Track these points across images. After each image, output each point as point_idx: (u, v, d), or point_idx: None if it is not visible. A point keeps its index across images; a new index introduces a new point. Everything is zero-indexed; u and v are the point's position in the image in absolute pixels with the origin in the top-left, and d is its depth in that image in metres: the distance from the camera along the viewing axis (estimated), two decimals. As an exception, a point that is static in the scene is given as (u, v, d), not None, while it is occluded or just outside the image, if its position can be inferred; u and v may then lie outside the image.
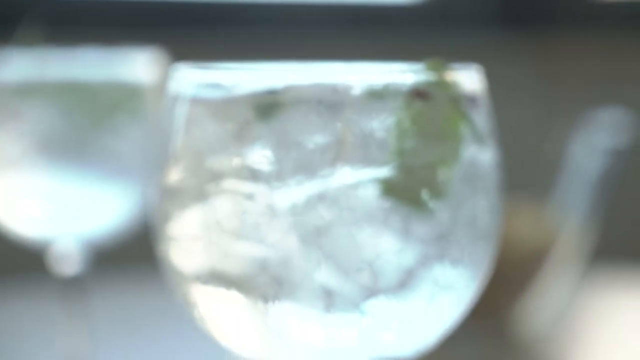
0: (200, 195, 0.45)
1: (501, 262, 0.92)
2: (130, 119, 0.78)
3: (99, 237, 0.82)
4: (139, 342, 0.96)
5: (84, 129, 0.77)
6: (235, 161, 0.44)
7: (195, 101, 0.46)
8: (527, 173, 1.00)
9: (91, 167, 0.78)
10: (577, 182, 0.96)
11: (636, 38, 1.89)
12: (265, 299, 0.44)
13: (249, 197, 0.44)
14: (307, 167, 0.43)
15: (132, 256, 1.20)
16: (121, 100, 0.78)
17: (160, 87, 0.80)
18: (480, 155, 0.46)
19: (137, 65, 0.80)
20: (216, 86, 0.45)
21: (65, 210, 0.79)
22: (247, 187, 0.44)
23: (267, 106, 0.44)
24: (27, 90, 0.77)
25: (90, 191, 0.79)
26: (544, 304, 0.96)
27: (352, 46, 1.68)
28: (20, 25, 0.80)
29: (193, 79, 0.46)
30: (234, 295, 0.45)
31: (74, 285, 0.83)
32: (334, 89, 0.44)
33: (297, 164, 0.43)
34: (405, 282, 0.44)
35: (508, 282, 0.93)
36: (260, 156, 0.44)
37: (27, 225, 0.80)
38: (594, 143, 0.97)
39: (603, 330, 1.02)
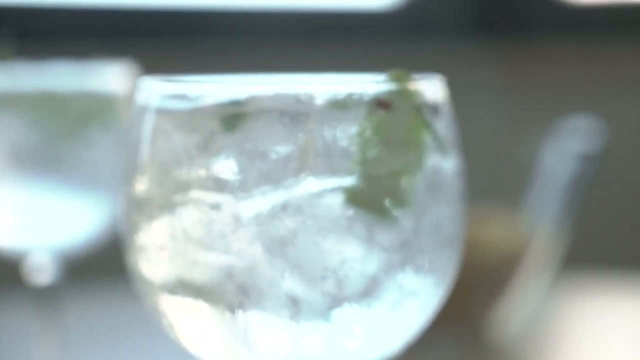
0: (166, 205, 0.45)
1: (474, 269, 0.93)
2: (103, 130, 0.79)
3: (73, 248, 0.82)
4: (113, 352, 0.96)
5: (56, 140, 0.77)
6: (201, 172, 0.45)
7: (161, 112, 0.46)
8: (498, 180, 1.01)
9: (64, 179, 0.78)
10: (548, 189, 0.97)
11: (607, 43, 1.90)
12: (232, 307, 0.45)
13: (215, 207, 0.44)
14: (272, 177, 0.44)
15: (106, 267, 1.20)
16: (93, 111, 0.79)
17: (132, 98, 0.81)
18: (443, 163, 0.47)
19: (109, 76, 0.80)
20: (181, 97, 0.46)
21: (39, 221, 0.79)
22: (213, 197, 0.44)
23: (232, 117, 0.44)
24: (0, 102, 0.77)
25: (63, 202, 0.79)
26: (517, 309, 0.97)
27: (323, 55, 1.69)
28: None
29: (159, 91, 0.47)
30: (200, 304, 0.45)
31: (48, 296, 0.83)
32: (297, 99, 0.44)
33: (262, 174, 0.44)
34: (370, 289, 0.45)
35: (482, 287, 0.94)
36: (225, 166, 0.44)
37: (3, 237, 0.80)
38: (564, 150, 0.98)
39: (575, 335, 1.03)
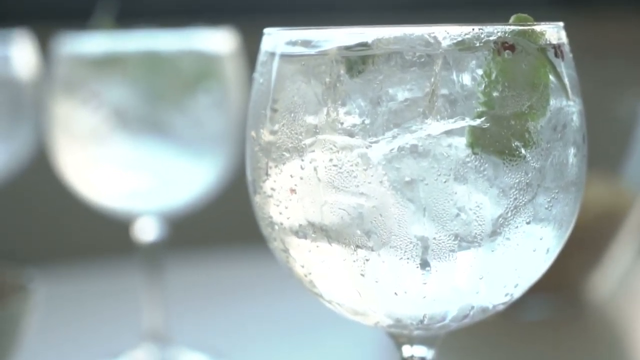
0: (296, 149, 0.46)
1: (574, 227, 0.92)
2: (207, 91, 0.80)
3: (179, 210, 0.83)
4: (216, 310, 0.98)
5: (162, 101, 0.78)
6: (328, 115, 0.45)
7: (288, 59, 0.47)
8: (596, 140, 1.00)
9: (170, 139, 0.79)
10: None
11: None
12: (361, 248, 0.45)
13: (344, 149, 0.45)
14: (399, 119, 0.44)
15: (210, 228, 1.21)
16: (198, 72, 0.80)
17: (234, 59, 0.82)
18: (567, 104, 0.47)
19: (212, 39, 0.82)
20: (307, 43, 0.46)
21: (147, 184, 0.80)
22: (341, 140, 0.45)
23: (358, 60, 0.45)
24: (108, 64, 0.78)
25: (169, 164, 0.80)
26: (615, 268, 0.96)
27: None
28: (95, 12, 0.82)
29: (285, 38, 0.47)
30: (329, 245, 0.46)
31: (154, 256, 0.84)
32: (424, 41, 0.44)
33: (389, 116, 0.44)
34: (496, 230, 0.45)
35: (580, 247, 0.93)
36: (352, 110, 0.45)
37: (111, 199, 0.82)
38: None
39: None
